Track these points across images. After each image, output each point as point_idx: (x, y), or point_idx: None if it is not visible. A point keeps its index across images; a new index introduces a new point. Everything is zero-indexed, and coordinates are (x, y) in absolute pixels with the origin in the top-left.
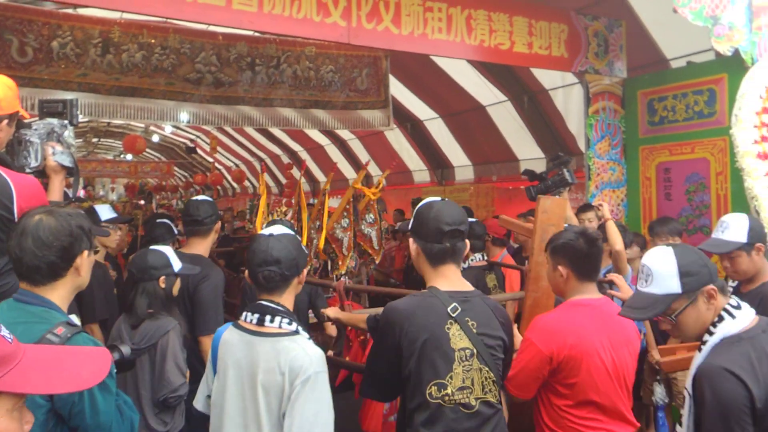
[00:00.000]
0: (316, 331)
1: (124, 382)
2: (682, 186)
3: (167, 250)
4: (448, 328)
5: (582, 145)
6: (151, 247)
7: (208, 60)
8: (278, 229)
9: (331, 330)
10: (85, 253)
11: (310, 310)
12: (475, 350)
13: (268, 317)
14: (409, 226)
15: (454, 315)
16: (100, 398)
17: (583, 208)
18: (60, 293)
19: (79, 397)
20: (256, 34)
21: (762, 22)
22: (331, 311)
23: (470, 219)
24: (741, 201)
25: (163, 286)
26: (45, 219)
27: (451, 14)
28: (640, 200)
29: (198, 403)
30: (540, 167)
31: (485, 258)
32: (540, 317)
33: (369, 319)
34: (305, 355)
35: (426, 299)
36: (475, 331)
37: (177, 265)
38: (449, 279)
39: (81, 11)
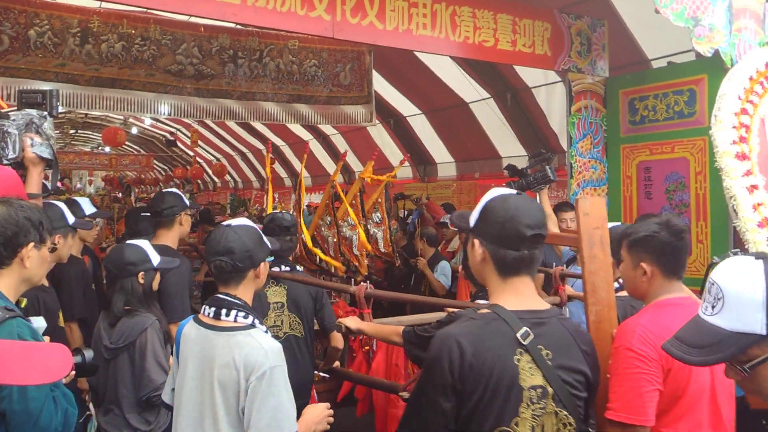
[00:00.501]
0: (319, 340)
1: (105, 382)
2: (662, 185)
3: (144, 244)
4: (518, 360)
5: (564, 143)
6: (128, 241)
7: (190, 52)
8: (239, 221)
9: (338, 342)
10: (31, 245)
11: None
12: (549, 389)
13: (224, 311)
14: (472, 223)
15: (525, 342)
16: (31, 385)
17: (563, 207)
18: (5, 282)
19: None
20: (239, 26)
21: (742, 24)
22: (352, 322)
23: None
24: (720, 200)
25: (141, 282)
26: None
27: (436, 10)
28: (621, 199)
29: (166, 396)
30: (523, 165)
31: None
32: (628, 321)
33: (407, 332)
34: (260, 350)
35: (489, 323)
36: (549, 362)
37: (156, 259)
38: (521, 295)
39: None
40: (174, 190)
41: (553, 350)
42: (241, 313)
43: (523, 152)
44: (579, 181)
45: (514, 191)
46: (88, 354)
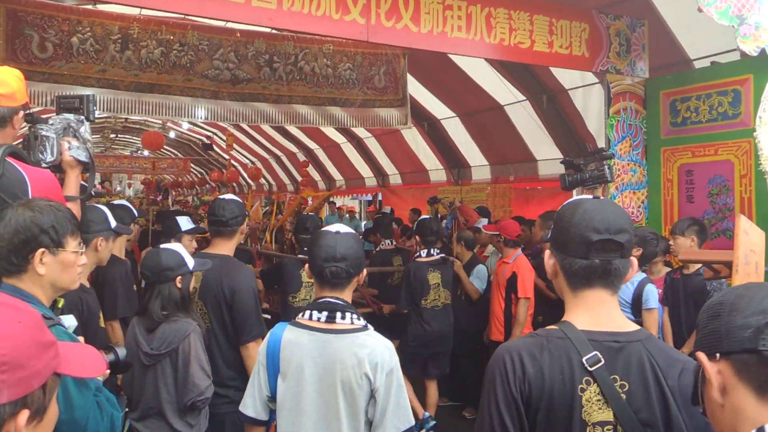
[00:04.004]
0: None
1: (141, 387)
2: (704, 188)
3: (178, 247)
4: (582, 390)
5: (602, 146)
6: (163, 246)
7: (226, 57)
8: (343, 228)
9: None
10: (40, 251)
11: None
12: (620, 428)
13: (338, 314)
14: (548, 234)
15: (591, 369)
16: (75, 393)
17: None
18: (29, 287)
19: None
20: (274, 31)
21: None
22: None
23: (416, 216)
24: (765, 203)
25: (179, 286)
26: (15, 211)
27: (471, 12)
28: (661, 202)
29: (248, 409)
30: (558, 168)
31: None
32: None
33: None
34: (385, 349)
35: (553, 341)
36: (623, 397)
37: (191, 262)
38: (593, 311)
39: (100, 7)
40: (235, 197)
41: (630, 383)
42: (354, 315)
43: (559, 155)
44: (618, 184)
45: (591, 197)
46: (121, 351)
